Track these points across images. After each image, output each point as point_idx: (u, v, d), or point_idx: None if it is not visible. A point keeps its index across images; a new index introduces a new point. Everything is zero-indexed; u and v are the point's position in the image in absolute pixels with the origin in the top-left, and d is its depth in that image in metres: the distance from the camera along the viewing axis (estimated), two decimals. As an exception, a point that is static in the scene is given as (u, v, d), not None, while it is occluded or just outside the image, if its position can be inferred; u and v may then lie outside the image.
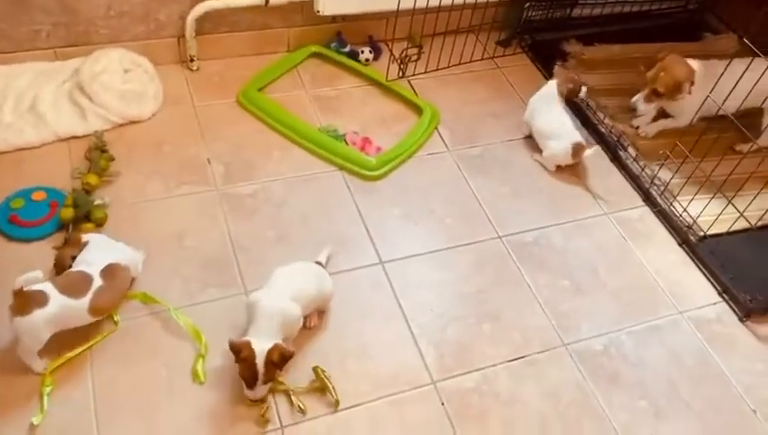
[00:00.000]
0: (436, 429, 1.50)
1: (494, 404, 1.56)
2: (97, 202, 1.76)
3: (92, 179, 1.81)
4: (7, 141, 1.88)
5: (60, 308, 1.40)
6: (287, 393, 1.49)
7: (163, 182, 1.89)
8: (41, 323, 1.38)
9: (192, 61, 2.23)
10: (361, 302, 1.71)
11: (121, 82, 2.08)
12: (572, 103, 2.35)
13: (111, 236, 1.66)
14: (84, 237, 1.61)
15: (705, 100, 1.95)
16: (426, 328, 1.68)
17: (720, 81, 1.88)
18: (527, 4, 2.50)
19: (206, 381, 1.50)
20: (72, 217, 1.72)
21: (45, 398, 1.42)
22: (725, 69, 1.86)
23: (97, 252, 1.55)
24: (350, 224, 1.89)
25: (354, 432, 1.47)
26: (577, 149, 2.06)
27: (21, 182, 1.81)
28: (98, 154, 1.87)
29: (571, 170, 2.13)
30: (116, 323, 1.57)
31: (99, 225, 1.75)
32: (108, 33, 2.11)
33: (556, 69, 2.42)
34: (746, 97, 1.92)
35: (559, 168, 2.12)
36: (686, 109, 2.12)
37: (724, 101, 1.90)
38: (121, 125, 2.02)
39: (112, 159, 1.90)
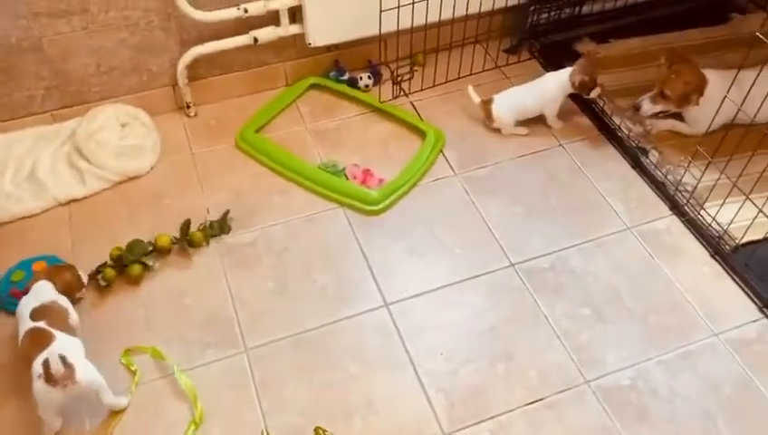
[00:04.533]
0: (447, 487, 1.41)
1: (510, 456, 1.45)
2: (147, 261, 1.75)
3: (163, 241, 1.80)
4: (8, 211, 1.90)
5: None
6: (287, 461, 1.43)
7: (162, 238, 1.87)
8: None
9: (189, 107, 2.20)
10: (366, 351, 1.64)
11: (119, 137, 2.07)
12: (590, 108, 2.21)
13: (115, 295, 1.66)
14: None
15: (718, 110, 1.79)
16: (435, 374, 1.59)
17: (751, 89, 1.71)
18: (532, 8, 2.37)
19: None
20: (117, 255, 1.75)
21: None
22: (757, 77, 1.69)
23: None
24: (353, 265, 1.82)
25: (360, 497, 1.40)
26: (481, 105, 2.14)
27: (24, 252, 1.81)
28: (205, 230, 1.84)
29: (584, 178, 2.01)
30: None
31: (133, 280, 1.75)
32: (101, 90, 2.10)
33: (581, 58, 2.25)
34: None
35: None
36: (701, 118, 1.97)
37: (757, 111, 1.72)
38: (120, 182, 2.01)
39: (209, 237, 1.85)
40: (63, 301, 1.57)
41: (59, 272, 1.64)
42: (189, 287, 1.76)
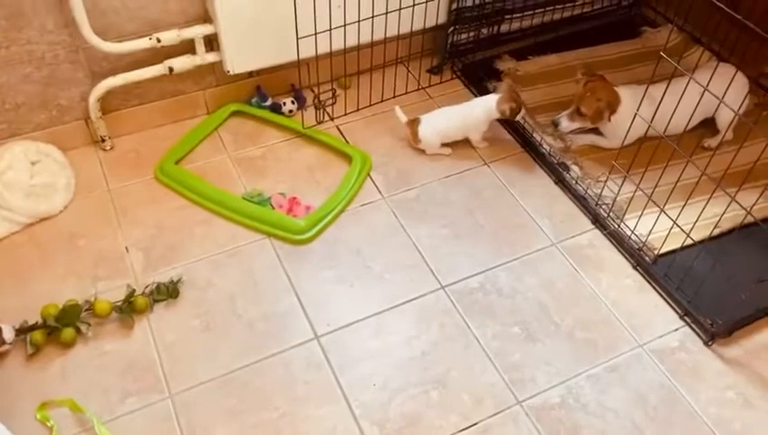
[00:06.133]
0: None
1: (446, 485, 1.44)
2: (82, 326, 1.63)
3: (102, 307, 1.67)
4: None
5: None
6: None
7: (78, 282, 1.77)
8: None
9: (104, 141, 2.11)
10: (297, 387, 1.59)
11: (29, 176, 1.96)
12: (513, 126, 2.25)
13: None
14: None
15: (632, 124, 1.85)
16: (368, 406, 1.56)
17: (661, 103, 1.75)
18: (451, 29, 2.39)
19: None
20: (53, 316, 1.63)
21: None
22: (665, 92, 1.73)
23: None
24: (281, 297, 1.77)
25: None
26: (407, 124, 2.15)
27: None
28: (152, 294, 1.72)
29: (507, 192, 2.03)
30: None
31: (64, 345, 1.63)
32: (7, 128, 1.99)
33: (502, 84, 2.29)
34: (693, 114, 1.79)
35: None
36: (617, 132, 2.04)
37: (668, 123, 1.77)
38: (31, 224, 1.91)
39: (154, 302, 1.73)
40: None
41: None
42: (109, 332, 1.68)
